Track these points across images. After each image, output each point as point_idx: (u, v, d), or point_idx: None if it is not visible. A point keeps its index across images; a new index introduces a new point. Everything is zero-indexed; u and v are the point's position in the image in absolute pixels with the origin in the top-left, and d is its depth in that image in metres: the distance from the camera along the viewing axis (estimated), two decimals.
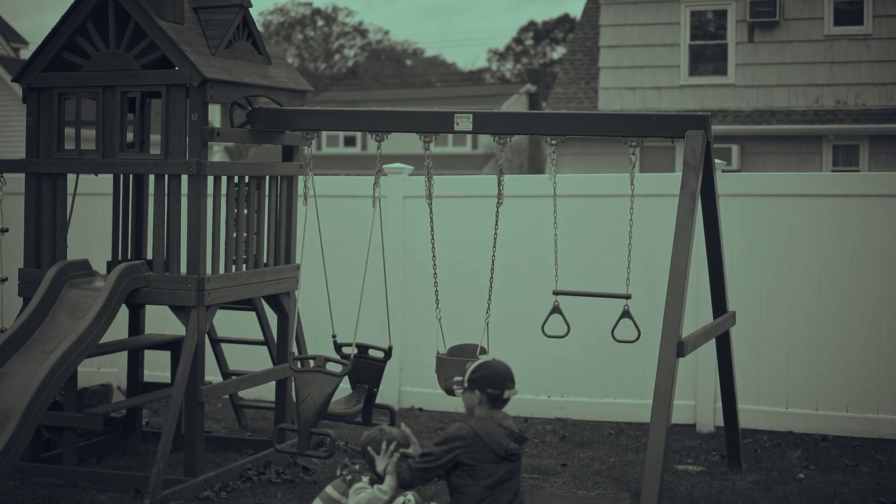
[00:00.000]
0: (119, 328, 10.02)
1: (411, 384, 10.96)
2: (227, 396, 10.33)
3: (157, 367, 10.60)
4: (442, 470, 5.58)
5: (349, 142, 50.54)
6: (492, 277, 8.16)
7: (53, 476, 8.13)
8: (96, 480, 8.04)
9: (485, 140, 48.52)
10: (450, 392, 7.95)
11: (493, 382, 5.70)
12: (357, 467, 6.27)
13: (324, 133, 49.61)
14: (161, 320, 10.53)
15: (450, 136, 48.34)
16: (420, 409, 10.83)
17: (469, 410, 5.73)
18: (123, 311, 9.12)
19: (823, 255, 9.92)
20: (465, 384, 5.72)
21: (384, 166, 10.29)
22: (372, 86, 67.70)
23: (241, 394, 10.30)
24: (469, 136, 48.49)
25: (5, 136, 27.61)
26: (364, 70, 74.16)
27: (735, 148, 22.74)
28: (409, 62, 78.64)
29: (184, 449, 8.24)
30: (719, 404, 9.83)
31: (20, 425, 7.03)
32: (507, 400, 5.72)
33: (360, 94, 58.27)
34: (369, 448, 6.17)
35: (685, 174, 7.48)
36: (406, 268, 10.90)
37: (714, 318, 8.45)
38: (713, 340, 8.76)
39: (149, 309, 9.76)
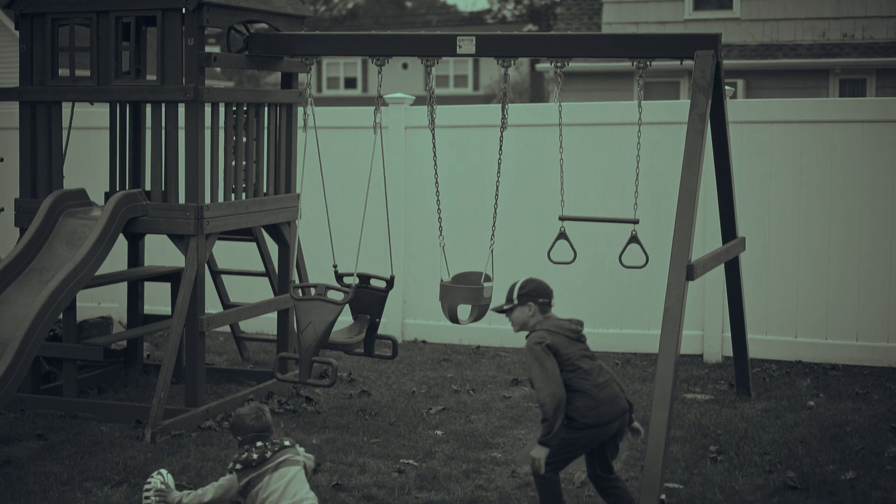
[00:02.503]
0: (118, 262, 9.91)
1: (414, 316, 10.84)
2: (229, 329, 10.22)
3: (157, 301, 10.48)
4: (558, 376, 5.60)
5: (349, 83, 50.20)
6: (496, 204, 8.02)
7: (54, 408, 8.03)
8: (97, 411, 7.94)
9: (486, 81, 48.18)
10: (454, 319, 7.85)
11: (541, 293, 5.91)
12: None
13: (324, 75, 49.29)
14: (161, 254, 10.40)
15: (451, 76, 48.00)
16: (424, 342, 10.72)
17: (521, 326, 5.91)
18: (123, 245, 9.00)
19: (833, 183, 9.75)
20: (515, 301, 5.89)
21: (385, 96, 10.11)
22: (372, 28, 67.16)
23: (242, 327, 10.18)
24: (470, 77, 48.14)
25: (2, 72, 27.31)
26: (364, 12, 73.57)
27: (740, 83, 22.49)
28: (409, 4, 78.00)
29: (185, 380, 8.13)
30: (727, 334, 9.71)
31: (18, 354, 6.91)
32: (552, 307, 5.97)
33: None
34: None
35: (694, 95, 7.30)
36: (408, 199, 10.74)
37: (723, 244, 8.30)
38: (721, 269, 8.63)
39: (148, 244, 9.63)
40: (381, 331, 8.40)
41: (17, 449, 7.21)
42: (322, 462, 6.96)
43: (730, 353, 9.53)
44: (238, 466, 5.63)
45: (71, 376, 8.17)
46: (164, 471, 5.82)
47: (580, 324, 5.92)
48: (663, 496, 6.30)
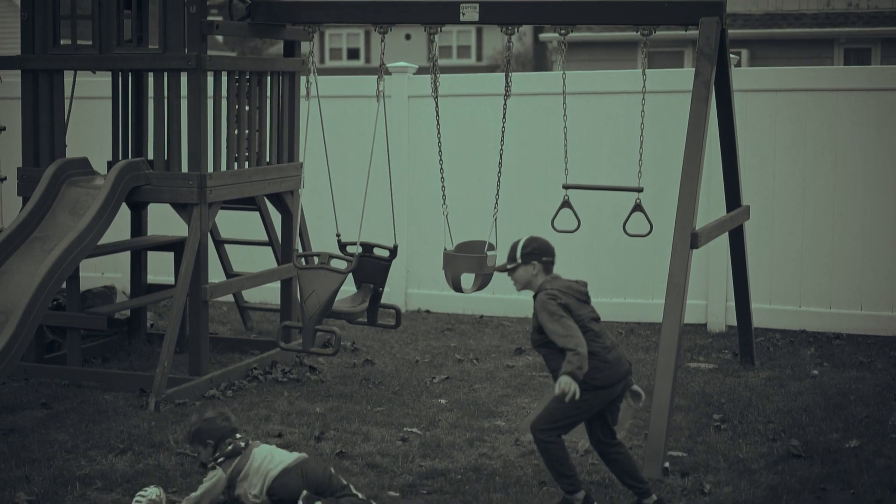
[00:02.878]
0: (121, 233, 9.88)
1: (418, 286, 10.83)
2: (232, 299, 10.21)
3: (161, 271, 10.47)
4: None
5: (352, 55, 50.04)
6: (499, 173, 7.98)
7: (58, 377, 8.03)
8: (101, 380, 7.94)
9: (490, 52, 48.02)
10: (457, 288, 7.83)
11: (545, 251, 5.81)
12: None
13: (327, 46, 49.14)
14: (163, 224, 10.37)
15: (454, 47, 47.88)
16: (427, 312, 10.71)
17: (524, 285, 5.81)
18: (125, 216, 8.96)
19: (837, 151, 9.71)
20: (519, 260, 5.77)
21: (388, 65, 10.05)
22: None
23: (246, 296, 10.17)
24: (473, 48, 48.01)
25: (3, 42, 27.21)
26: None
27: (745, 53, 22.41)
28: None
29: (188, 349, 8.13)
30: (731, 303, 9.69)
31: (21, 323, 6.90)
32: (554, 265, 5.85)
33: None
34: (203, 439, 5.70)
35: (699, 62, 7.27)
36: (411, 168, 10.71)
37: (727, 213, 8.27)
38: (725, 238, 8.60)
39: (151, 215, 9.59)
40: (384, 300, 8.35)
41: (21, 418, 7.21)
42: (326, 430, 6.98)
43: (734, 322, 9.51)
44: (221, 460, 5.60)
45: (75, 345, 8.17)
46: (159, 488, 5.77)
47: (586, 285, 5.87)
48: (667, 464, 6.31)
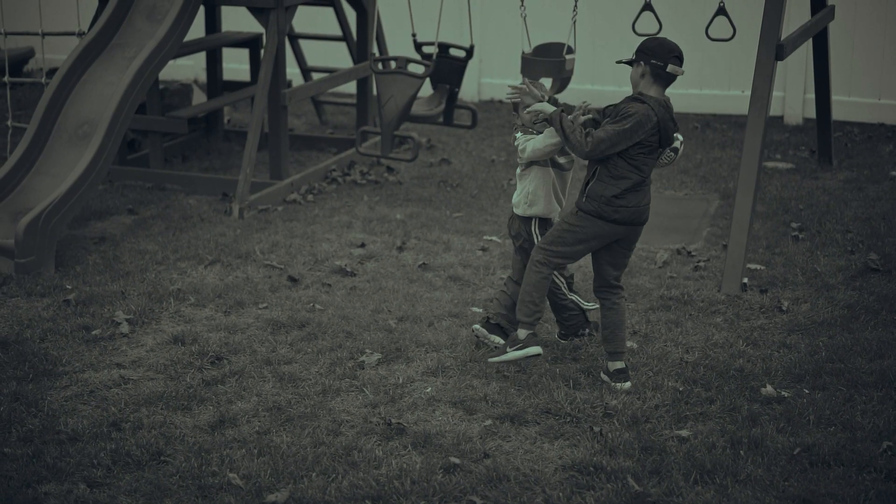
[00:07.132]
0: (195, 27, 9.83)
1: (491, 75, 10.75)
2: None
3: (233, 59, 10.43)
4: (620, 148, 5.12)
5: None
6: None
7: (141, 179, 8.18)
8: (184, 183, 8.08)
9: None
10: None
11: (656, 53, 5.18)
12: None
13: None
14: (234, 13, 10.30)
15: None
16: (500, 102, 10.67)
17: (634, 85, 5.26)
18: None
19: None
20: (633, 56, 5.25)
21: None
22: None
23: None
24: None
25: None
26: None
27: None
28: None
29: (269, 151, 8.20)
30: (809, 95, 9.57)
31: (107, 135, 6.98)
32: (671, 78, 5.22)
33: None
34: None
35: None
36: None
37: (812, 14, 8.07)
38: None
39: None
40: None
41: (109, 224, 7.39)
42: (407, 240, 7.10)
43: (811, 114, 9.42)
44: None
45: (156, 148, 8.28)
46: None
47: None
48: (746, 279, 6.38)
